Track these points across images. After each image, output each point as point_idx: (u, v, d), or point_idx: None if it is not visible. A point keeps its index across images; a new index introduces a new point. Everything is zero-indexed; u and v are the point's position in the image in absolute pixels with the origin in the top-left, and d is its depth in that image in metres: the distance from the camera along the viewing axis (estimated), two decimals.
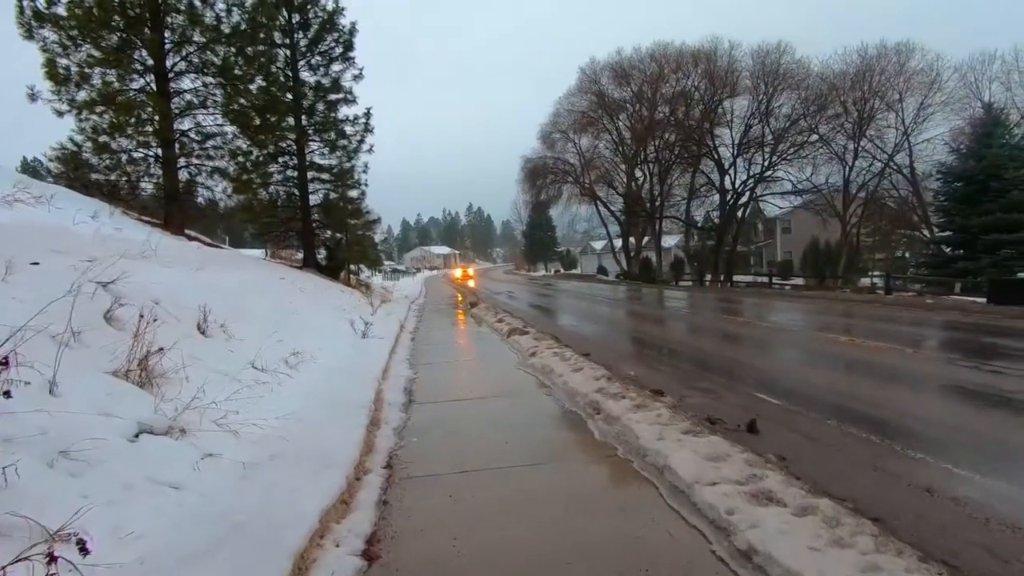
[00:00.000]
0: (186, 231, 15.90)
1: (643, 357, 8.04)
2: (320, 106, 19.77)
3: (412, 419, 4.87)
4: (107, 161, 14.98)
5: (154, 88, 14.65)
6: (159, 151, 15.15)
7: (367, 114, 20.08)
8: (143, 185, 16.19)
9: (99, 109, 14.30)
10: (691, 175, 33.38)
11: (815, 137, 27.18)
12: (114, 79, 14.32)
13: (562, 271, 63.48)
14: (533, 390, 5.85)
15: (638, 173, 36.85)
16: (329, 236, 20.95)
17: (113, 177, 15.31)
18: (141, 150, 15.40)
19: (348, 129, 20.15)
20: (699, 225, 33.96)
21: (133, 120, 14.29)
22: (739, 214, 31.08)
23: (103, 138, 14.37)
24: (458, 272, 54.44)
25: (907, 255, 39.05)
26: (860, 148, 26.57)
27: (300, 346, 6.85)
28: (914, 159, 26.39)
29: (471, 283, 37.54)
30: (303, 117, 19.51)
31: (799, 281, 27.04)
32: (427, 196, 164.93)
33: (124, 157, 15.20)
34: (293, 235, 20.63)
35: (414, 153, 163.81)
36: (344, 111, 19.79)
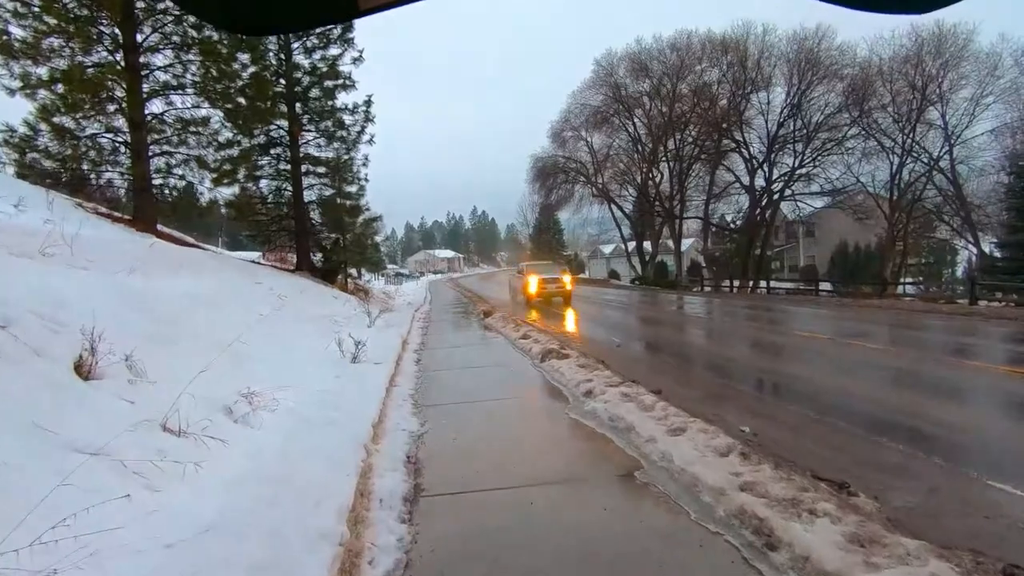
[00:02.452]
0: (161, 228, 13.87)
1: (743, 398, 5.50)
2: (315, 92, 17.80)
3: (420, 545, 2.68)
4: (68, 148, 12.99)
5: (121, 63, 12.63)
6: (128, 136, 13.12)
7: (368, 102, 18.19)
8: (112, 176, 14.19)
9: (60, 88, 12.34)
10: (711, 173, 31.13)
11: (856, 131, 24.84)
12: (76, 52, 12.35)
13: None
14: (615, 469, 3.60)
15: (655, 172, 34.54)
16: (326, 236, 18.89)
17: (75, 166, 13.34)
18: (107, 135, 13.41)
19: (347, 118, 18.24)
20: (726, 226, 31.54)
21: (94, 98, 12.28)
22: (768, 215, 28.78)
23: (58, 118, 12.35)
24: (532, 283, 17.70)
25: (931, 260, 36.59)
26: (909, 143, 24.18)
27: (259, 381, 4.72)
28: (955, 159, 24.15)
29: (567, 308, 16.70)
30: (297, 104, 17.52)
31: (827, 287, 24.58)
32: (431, 199, 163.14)
33: (88, 143, 13.22)
34: (286, 235, 18.59)
35: (418, 155, 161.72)
36: (343, 98, 17.85)
